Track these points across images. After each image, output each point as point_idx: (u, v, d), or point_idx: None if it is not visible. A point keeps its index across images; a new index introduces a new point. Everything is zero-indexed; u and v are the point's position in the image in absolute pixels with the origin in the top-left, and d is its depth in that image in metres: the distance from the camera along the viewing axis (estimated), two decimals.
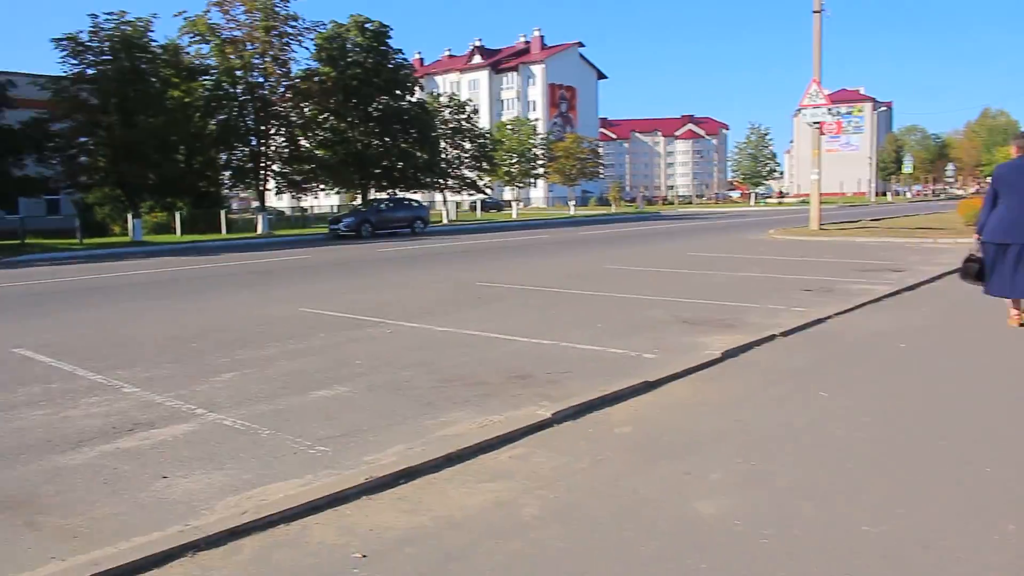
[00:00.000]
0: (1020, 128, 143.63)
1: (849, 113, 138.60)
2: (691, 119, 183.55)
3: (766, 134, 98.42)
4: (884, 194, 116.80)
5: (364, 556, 3.46)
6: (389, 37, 47.34)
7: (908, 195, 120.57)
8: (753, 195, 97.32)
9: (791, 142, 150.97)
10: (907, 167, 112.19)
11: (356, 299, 12.80)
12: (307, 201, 58.17)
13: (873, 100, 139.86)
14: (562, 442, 5.00)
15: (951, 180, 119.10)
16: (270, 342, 8.92)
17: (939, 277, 12.89)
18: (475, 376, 6.98)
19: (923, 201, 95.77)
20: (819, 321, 9.09)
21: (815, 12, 26.44)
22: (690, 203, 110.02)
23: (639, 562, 3.35)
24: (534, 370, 7.15)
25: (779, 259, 17.64)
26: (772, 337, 8.17)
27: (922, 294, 11.42)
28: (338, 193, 57.74)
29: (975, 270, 8.65)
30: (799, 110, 27.62)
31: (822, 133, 27.42)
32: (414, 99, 50.34)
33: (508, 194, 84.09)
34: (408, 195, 49.93)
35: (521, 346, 8.33)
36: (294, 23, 42.05)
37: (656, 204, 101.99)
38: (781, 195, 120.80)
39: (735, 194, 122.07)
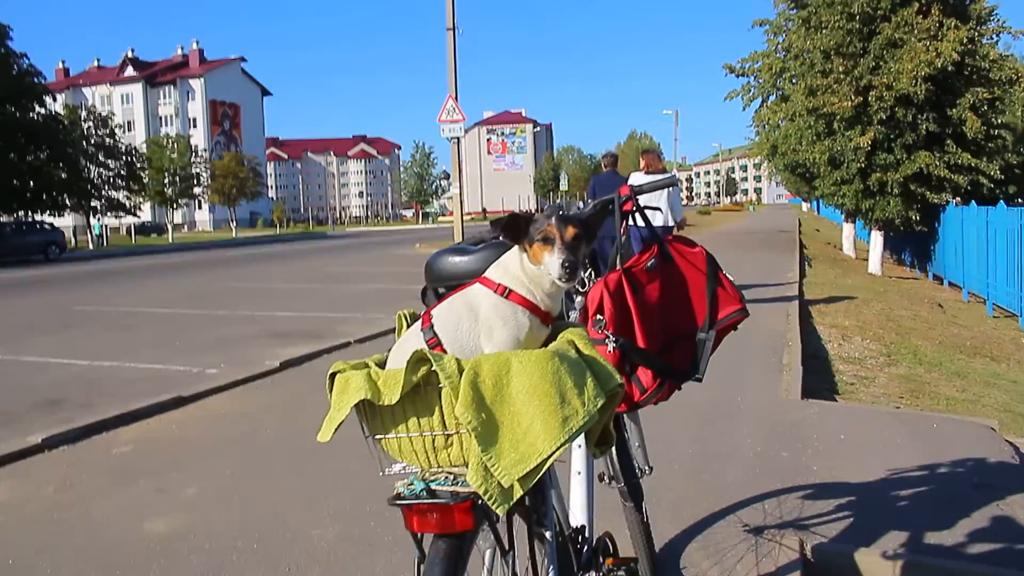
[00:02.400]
0: (661, 148, 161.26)
1: (513, 133, 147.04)
2: (364, 139, 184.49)
3: (430, 153, 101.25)
4: (541, 210, 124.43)
5: None
6: (9, 38, 41.96)
7: (572, 211, 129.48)
8: (421, 214, 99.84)
9: (461, 162, 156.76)
10: (563, 184, 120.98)
11: None
12: None
13: (534, 121, 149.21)
14: (40, 469, 4.56)
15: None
16: None
17: None
18: None
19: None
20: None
21: (448, 30, 27.46)
22: (359, 223, 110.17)
23: None
24: (73, 394, 6.57)
25: (409, 271, 18.02)
26: (347, 344, 8.19)
27: None
28: None
29: None
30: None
31: (457, 146, 28.43)
32: (44, 111, 45.33)
33: (178, 217, 79.12)
34: (45, 218, 44.86)
35: (78, 370, 7.65)
36: None
37: (325, 224, 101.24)
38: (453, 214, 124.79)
39: (409, 213, 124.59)
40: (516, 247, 1.72)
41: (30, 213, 44.73)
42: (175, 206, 66.50)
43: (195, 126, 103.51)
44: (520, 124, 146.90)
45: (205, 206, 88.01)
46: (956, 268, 17.10)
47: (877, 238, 19.04)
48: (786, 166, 23.56)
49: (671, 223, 9.43)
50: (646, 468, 2.83)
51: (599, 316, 2.35)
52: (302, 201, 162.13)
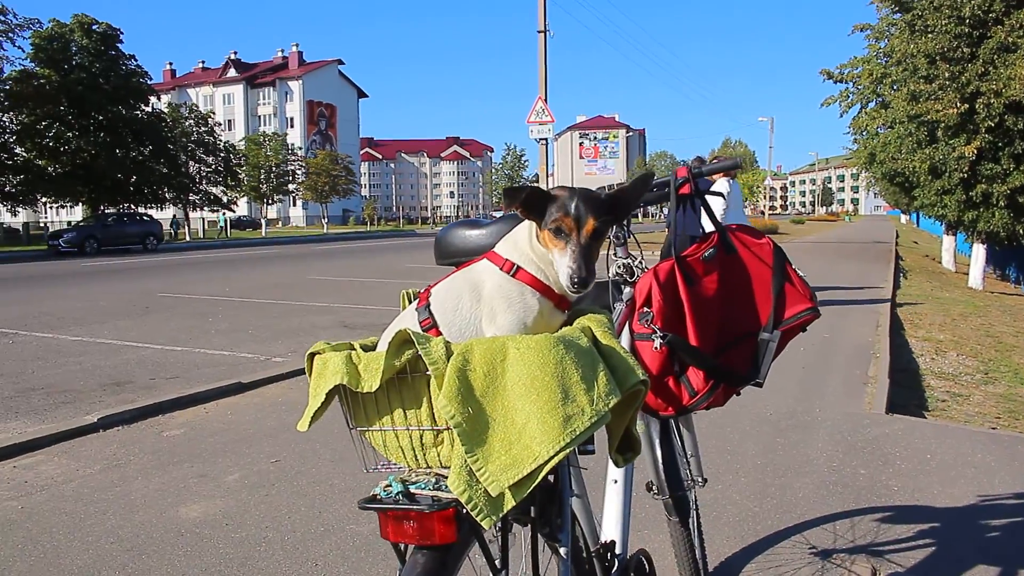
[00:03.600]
0: (755, 156, 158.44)
1: (605, 138, 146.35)
2: (456, 140, 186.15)
3: (521, 155, 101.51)
4: (635, 216, 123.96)
5: None
6: (120, 41, 43.93)
7: (659, 215, 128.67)
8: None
9: (552, 164, 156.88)
10: None
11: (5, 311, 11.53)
12: (49, 215, 52.84)
13: (628, 126, 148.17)
14: (91, 448, 4.53)
15: None
16: None
17: None
18: (66, 384, 6.32)
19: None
20: None
21: (539, 32, 27.33)
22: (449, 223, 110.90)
23: (68, 570, 2.94)
24: (139, 377, 6.59)
25: None
26: None
27: None
28: (84, 207, 53.02)
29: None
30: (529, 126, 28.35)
31: (545, 148, 28.22)
32: (149, 109, 47.13)
33: (272, 212, 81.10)
34: (144, 210, 46.48)
35: (147, 353, 7.70)
36: (3, 17, 38.21)
37: (415, 223, 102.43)
38: None
39: (499, 214, 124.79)
40: (528, 221, 1.50)
41: (132, 205, 46.44)
42: (270, 202, 68.27)
43: (292, 125, 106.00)
44: (613, 129, 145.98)
45: (299, 203, 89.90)
46: None
47: (979, 251, 18.09)
48: (884, 175, 22.67)
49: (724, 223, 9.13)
50: (699, 479, 2.58)
51: (646, 309, 2.12)
52: (394, 200, 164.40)
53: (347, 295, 12.86)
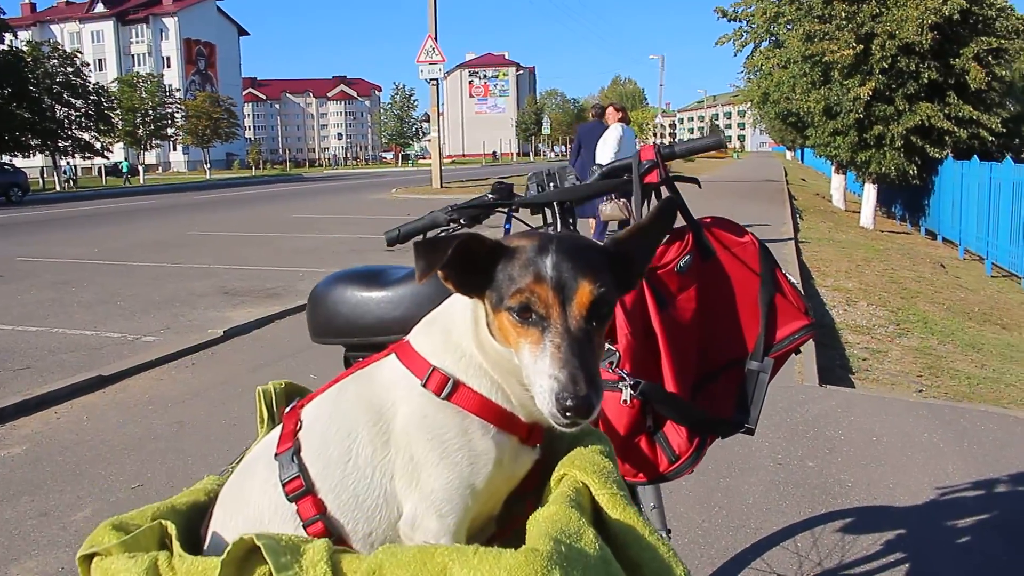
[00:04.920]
0: (644, 94, 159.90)
1: (495, 76, 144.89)
2: (343, 80, 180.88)
3: (411, 95, 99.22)
4: (527, 154, 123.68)
5: None
6: None
7: (550, 155, 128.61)
8: (401, 156, 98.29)
9: (442, 104, 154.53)
10: (546, 128, 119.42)
11: None
12: None
13: (517, 64, 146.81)
14: None
15: None
16: None
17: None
18: None
19: (562, 160, 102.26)
20: None
21: None
22: (337, 166, 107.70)
23: None
24: None
25: (383, 218, 17.11)
26: (303, 308, 7.32)
27: None
28: None
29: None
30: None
31: (436, 88, 27.34)
32: (5, 47, 43.43)
33: (151, 158, 77.06)
34: (6, 159, 43.14)
35: None
36: None
37: (303, 166, 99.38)
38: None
39: (389, 155, 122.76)
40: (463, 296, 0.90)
41: None
42: (148, 147, 64.67)
43: (168, 66, 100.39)
44: (503, 67, 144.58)
45: (179, 147, 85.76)
46: (952, 225, 16.35)
47: (871, 191, 18.28)
48: (777, 115, 22.67)
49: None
50: (662, 532, 2.06)
51: (610, 347, 1.57)
52: (280, 143, 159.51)
53: (229, 253, 11.92)
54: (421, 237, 1.98)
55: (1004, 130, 17.82)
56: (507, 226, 2.05)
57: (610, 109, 10.40)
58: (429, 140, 42.70)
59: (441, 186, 26.85)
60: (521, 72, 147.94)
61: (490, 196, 1.94)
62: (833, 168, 24.35)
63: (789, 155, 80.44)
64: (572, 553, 0.71)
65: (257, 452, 0.95)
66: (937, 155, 16.25)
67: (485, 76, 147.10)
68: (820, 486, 3.55)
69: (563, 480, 0.86)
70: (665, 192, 1.79)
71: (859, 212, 19.17)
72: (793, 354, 1.82)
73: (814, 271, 10.15)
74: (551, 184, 1.87)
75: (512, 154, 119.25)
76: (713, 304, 1.71)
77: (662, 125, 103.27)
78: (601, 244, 0.91)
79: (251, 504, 0.88)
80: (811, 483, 3.58)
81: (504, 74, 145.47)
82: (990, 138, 16.37)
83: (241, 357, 5.81)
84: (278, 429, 0.94)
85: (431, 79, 26.38)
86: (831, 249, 12.48)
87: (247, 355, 5.86)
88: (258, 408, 1.06)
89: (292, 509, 0.86)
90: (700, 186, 1.87)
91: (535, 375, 0.81)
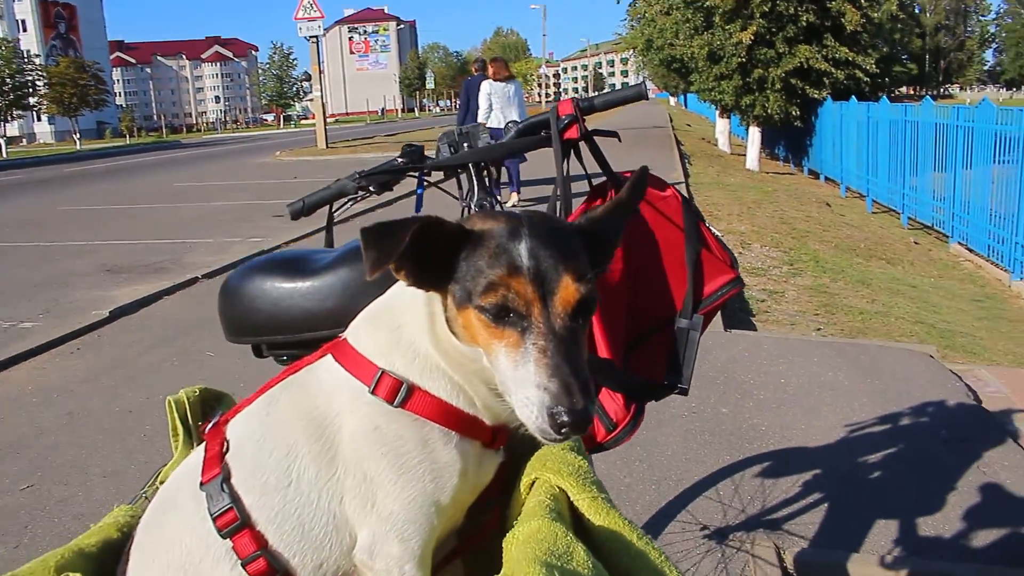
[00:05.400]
0: (527, 45, 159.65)
1: (376, 32, 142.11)
2: (218, 40, 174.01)
3: (289, 54, 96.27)
4: (412, 110, 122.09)
5: None
6: None
7: (436, 110, 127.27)
8: (283, 118, 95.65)
9: (322, 62, 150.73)
10: (430, 83, 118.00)
11: None
12: None
13: (397, 18, 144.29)
14: None
15: None
16: None
17: None
18: None
19: (448, 115, 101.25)
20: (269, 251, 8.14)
21: None
22: (216, 130, 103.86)
23: None
24: None
25: (268, 183, 16.56)
26: (194, 281, 7.03)
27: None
28: None
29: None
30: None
31: (317, 46, 26.51)
32: None
33: (14, 129, 72.47)
34: None
35: None
36: None
37: (180, 132, 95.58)
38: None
39: (270, 117, 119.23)
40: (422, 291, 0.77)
41: None
42: (8, 118, 60.82)
43: (24, 29, 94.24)
44: (383, 22, 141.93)
45: (44, 117, 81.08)
46: (834, 164, 16.90)
47: (755, 134, 18.69)
48: (661, 61, 22.89)
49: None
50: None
51: None
52: (154, 108, 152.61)
53: (108, 228, 11.30)
54: (329, 208, 1.83)
55: (877, 71, 18.43)
56: (419, 191, 1.92)
57: (498, 65, 10.56)
58: (311, 100, 41.52)
59: (327, 146, 26.16)
60: (402, 27, 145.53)
61: (399, 160, 1.82)
62: (718, 112, 24.79)
63: (673, 101, 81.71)
64: (564, 565, 0.61)
65: (178, 479, 0.81)
66: (817, 96, 16.70)
67: (365, 32, 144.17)
68: (736, 432, 3.58)
69: (536, 485, 0.76)
70: (585, 148, 1.70)
71: (745, 155, 19.59)
72: (721, 310, 1.77)
73: (707, 215, 10.21)
74: (464, 144, 1.75)
75: (397, 110, 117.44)
76: (639, 263, 1.63)
77: (546, 75, 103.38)
78: (577, 224, 0.80)
79: (177, 544, 0.75)
80: (727, 430, 3.60)
81: (385, 29, 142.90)
82: (865, 79, 16.90)
83: (130, 338, 5.49)
84: (200, 452, 0.80)
85: (311, 36, 25.53)
86: (721, 193, 12.70)
87: (136, 336, 5.55)
88: (170, 421, 0.92)
89: (227, 546, 0.74)
90: (620, 140, 1.77)
91: (516, 384, 0.70)
